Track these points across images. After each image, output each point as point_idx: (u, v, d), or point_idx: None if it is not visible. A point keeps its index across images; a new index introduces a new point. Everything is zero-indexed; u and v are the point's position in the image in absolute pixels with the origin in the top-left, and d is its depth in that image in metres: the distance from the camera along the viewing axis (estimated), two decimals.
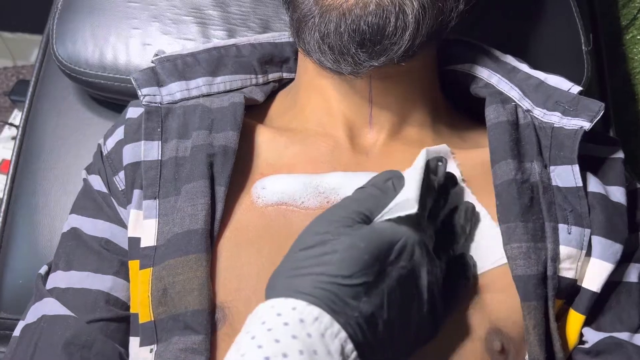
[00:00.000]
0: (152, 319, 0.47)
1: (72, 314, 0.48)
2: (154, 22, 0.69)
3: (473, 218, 0.50)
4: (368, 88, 0.53)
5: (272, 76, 0.61)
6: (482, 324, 0.46)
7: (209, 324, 0.45)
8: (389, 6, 0.45)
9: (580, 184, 0.49)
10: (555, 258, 0.47)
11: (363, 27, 0.46)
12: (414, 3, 0.46)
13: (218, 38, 0.69)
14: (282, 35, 0.63)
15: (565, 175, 0.49)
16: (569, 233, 0.47)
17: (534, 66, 0.57)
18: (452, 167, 0.52)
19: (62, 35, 0.68)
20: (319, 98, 0.55)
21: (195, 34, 0.68)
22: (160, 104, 0.54)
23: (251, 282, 0.47)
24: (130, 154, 0.52)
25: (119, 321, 0.50)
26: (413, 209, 0.40)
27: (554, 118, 0.52)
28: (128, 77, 0.66)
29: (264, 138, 0.54)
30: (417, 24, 0.46)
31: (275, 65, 0.61)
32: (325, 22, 0.47)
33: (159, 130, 0.52)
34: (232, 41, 0.61)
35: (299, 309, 0.35)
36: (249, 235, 0.49)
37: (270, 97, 0.61)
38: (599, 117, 0.50)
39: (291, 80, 0.62)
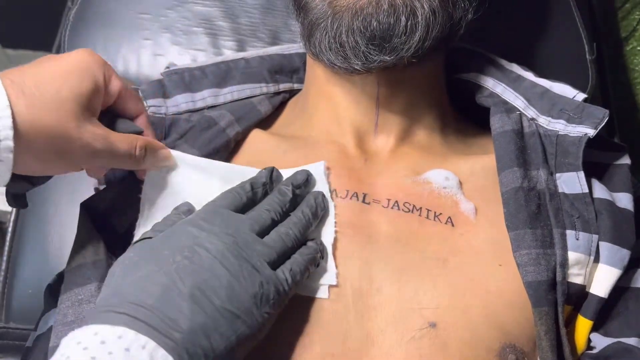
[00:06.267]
0: None
1: None
2: (165, 33, 0.70)
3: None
4: (376, 94, 0.53)
5: (283, 86, 0.61)
6: (497, 338, 0.45)
7: None
8: (400, 6, 0.46)
9: (586, 190, 0.49)
10: (564, 264, 0.47)
11: (374, 24, 0.47)
12: (425, 6, 0.47)
13: (228, 49, 0.69)
14: (290, 47, 0.63)
15: (571, 182, 0.50)
16: (577, 239, 0.47)
17: (539, 74, 0.57)
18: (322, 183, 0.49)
19: (73, 47, 0.69)
20: (327, 105, 0.55)
21: (206, 45, 0.69)
22: (165, 114, 0.55)
23: None
24: None
25: None
26: None
27: (559, 126, 0.52)
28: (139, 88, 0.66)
29: (268, 146, 0.54)
30: (427, 27, 0.47)
31: (285, 75, 0.61)
32: (338, 22, 0.48)
33: (162, 141, 0.53)
34: (240, 55, 0.61)
35: (100, 333, 0.35)
36: None
37: (280, 107, 0.61)
38: (603, 123, 0.50)
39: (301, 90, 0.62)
